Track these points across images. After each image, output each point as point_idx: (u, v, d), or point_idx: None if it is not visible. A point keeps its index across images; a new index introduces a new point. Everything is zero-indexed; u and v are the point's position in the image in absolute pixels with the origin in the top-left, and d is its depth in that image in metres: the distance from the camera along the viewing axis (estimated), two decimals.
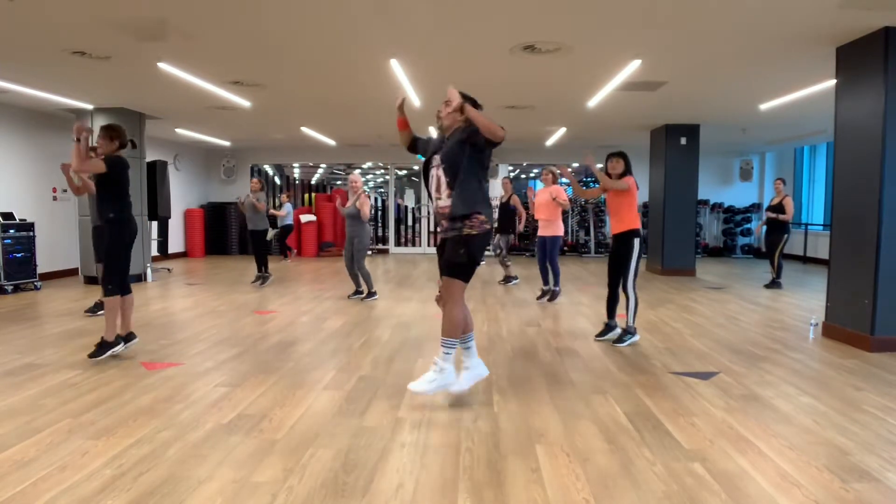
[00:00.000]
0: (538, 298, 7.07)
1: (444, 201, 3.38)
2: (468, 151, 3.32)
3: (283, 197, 12.44)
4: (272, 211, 8.48)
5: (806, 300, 7.42)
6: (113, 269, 4.30)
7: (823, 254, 10.56)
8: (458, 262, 3.32)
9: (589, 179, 16.63)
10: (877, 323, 4.76)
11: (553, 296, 7.02)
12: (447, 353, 3.36)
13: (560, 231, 6.99)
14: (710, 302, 7.27)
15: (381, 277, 9.69)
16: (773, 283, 8.45)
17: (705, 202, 13.95)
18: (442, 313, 3.40)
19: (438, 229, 3.51)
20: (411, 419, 3.23)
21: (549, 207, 6.89)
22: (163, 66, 5.99)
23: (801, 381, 3.98)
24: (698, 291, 8.22)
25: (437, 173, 3.43)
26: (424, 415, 3.30)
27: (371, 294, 7.24)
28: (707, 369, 4.25)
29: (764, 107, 8.03)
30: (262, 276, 8.50)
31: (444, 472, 2.60)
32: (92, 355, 4.28)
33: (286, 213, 11.75)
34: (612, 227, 4.99)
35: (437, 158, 3.45)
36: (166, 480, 2.49)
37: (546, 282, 7.09)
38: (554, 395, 3.60)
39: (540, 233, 7.04)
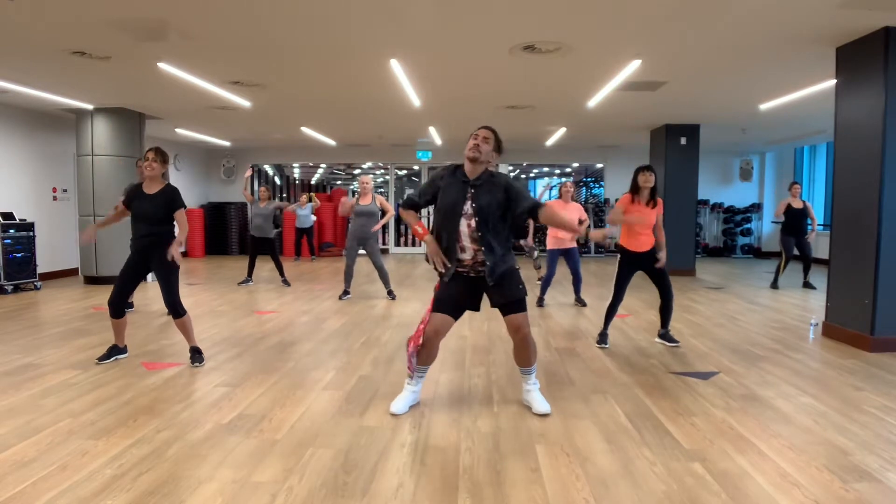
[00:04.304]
0: (539, 305, 6.97)
1: (469, 254, 3.19)
2: (507, 216, 3.21)
3: (304, 197, 12.39)
4: (290, 207, 8.77)
5: (806, 300, 7.42)
6: (176, 289, 4.28)
7: (823, 254, 10.55)
8: (522, 296, 3.26)
9: (589, 179, 16.63)
10: (877, 323, 4.76)
11: (581, 302, 6.97)
12: (536, 380, 3.43)
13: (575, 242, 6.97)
14: (710, 302, 7.27)
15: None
16: (809, 284, 8.46)
17: (705, 202, 13.95)
18: (522, 347, 3.29)
19: (472, 273, 3.24)
20: (411, 419, 3.23)
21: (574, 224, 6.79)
22: (163, 66, 5.99)
23: (801, 381, 3.98)
24: (698, 291, 8.22)
25: (469, 223, 3.16)
26: (424, 415, 3.30)
27: (390, 292, 7.35)
28: (707, 369, 4.25)
29: (764, 107, 8.03)
30: (284, 281, 8.55)
31: (444, 471, 2.60)
32: (196, 360, 4.30)
33: (310, 212, 12.07)
34: None
35: (466, 208, 3.16)
36: (166, 480, 2.49)
37: (544, 291, 7.01)
38: (554, 395, 3.59)
39: (559, 245, 6.79)
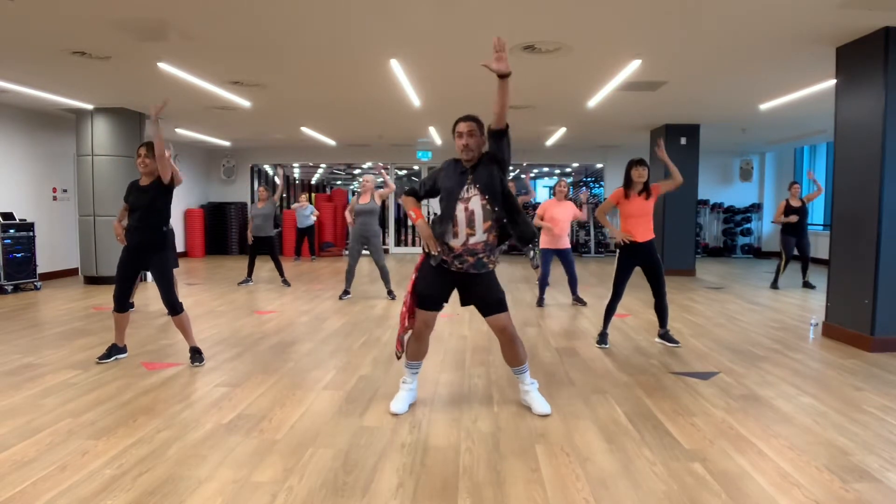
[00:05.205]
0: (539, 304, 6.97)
1: (480, 237, 3.17)
2: (500, 175, 3.21)
3: (303, 198, 12.33)
4: (294, 206, 8.76)
5: (806, 300, 7.42)
6: (173, 287, 4.26)
7: (823, 254, 10.55)
8: (502, 296, 3.28)
9: (589, 179, 16.62)
10: (877, 323, 4.76)
11: (580, 301, 6.98)
12: (533, 380, 3.45)
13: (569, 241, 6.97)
14: (710, 302, 7.27)
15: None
16: (809, 284, 8.46)
17: (705, 202, 13.95)
18: (509, 346, 3.31)
19: (455, 264, 3.22)
20: (411, 419, 3.23)
21: (568, 222, 6.82)
22: (163, 66, 5.99)
23: (801, 381, 3.98)
24: (698, 291, 8.22)
25: (472, 207, 3.16)
26: (424, 415, 3.30)
27: (390, 292, 7.35)
28: (707, 369, 4.25)
29: (764, 107, 8.03)
30: (284, 281, 8.55)
31: (444, 472, 2.60)
32: (196, 360, 4.30)
33: (310, 213, 12.04)
34: None
35: (468, 190, 3.18)
36: (166, 480, 2.49)
37: (543, 291, 7.01)
38: (554, 395, 3.59)
39: (553, 245, 6.76)
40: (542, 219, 6.79)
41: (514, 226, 3.25)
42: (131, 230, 4.20)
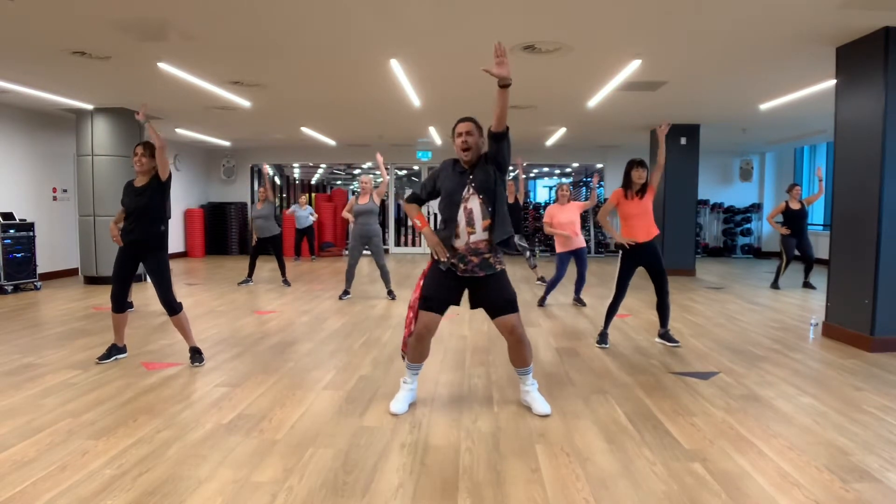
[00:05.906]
0: (540, 304, 6.99)
1: (480, 235, 3.20)
2: (496, 176, 3.23)
3: (303, 199, 12.33)
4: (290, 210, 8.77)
5: (806, 300, 7.42)
6: (169, 287, 4.24)
7: (823, 254, 10.55)
8: (513, 297, 3.27)
9: (588, 180, 16.61)
10: (877, 323, 4.76)
11: (580, 302, 6.98)
12: (533, 380, 3.43)
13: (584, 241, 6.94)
14: (710, 302, 7.27)
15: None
16: (809, 284, 8.46)
17: (705, 202, 13.95)
18: (516, 348, 3.31)
19: (461, 267, 3.24)
20: (411, 419, 3.23)
21: (576, 223, 6.83)
22: (163, 66, 5.99)
23: (801, 381, 3.98)
24: (698, 291, 8.22)
25: (470, 206, 3.20)
26: (424, 415, 3.30)
27: (391, 292, 7.35)
28: (707, 369, 4.25)
29: (764, 107, 8.03)
30: (284, 281, 8.59)
31: (444, 472, 2.60)
32: (196, 360, 4.29)
33: (309, 213, 12.08)
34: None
35: (468, 190, 3.21)
36: (166, 480, 2.49)
37: (549, 292, 7.01)
38: (554, 395, 3.59)
39: (569, 247, 6.76)
40: (551, 226, 6.80)
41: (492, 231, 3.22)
42: (127, 231, 4.19)
